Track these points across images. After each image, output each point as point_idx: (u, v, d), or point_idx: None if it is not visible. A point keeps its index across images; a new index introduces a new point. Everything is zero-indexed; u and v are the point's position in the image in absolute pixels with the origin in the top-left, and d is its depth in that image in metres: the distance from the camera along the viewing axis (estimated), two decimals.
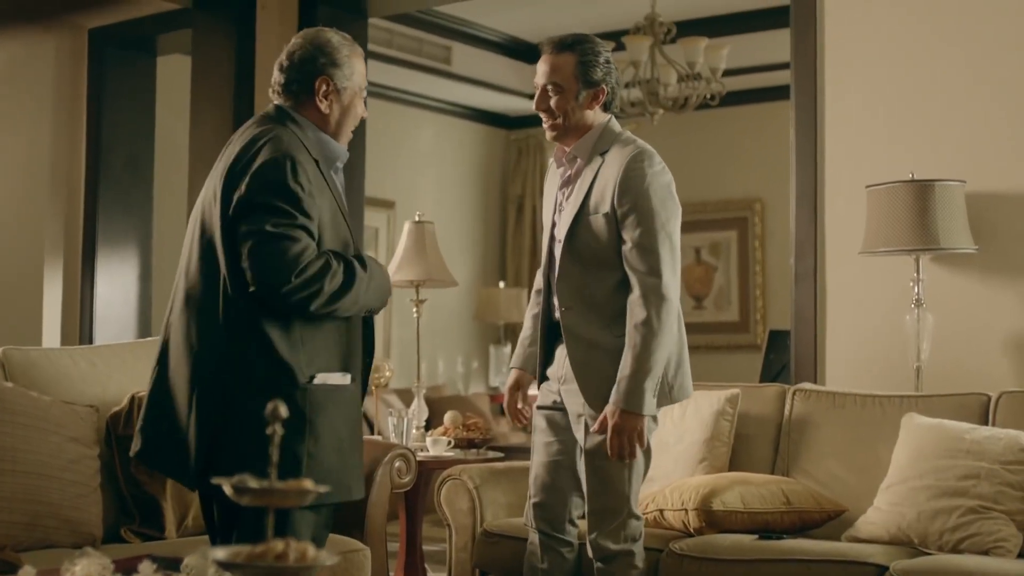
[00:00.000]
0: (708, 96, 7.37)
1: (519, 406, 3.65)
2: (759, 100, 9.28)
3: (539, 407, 3.60)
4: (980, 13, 4.49)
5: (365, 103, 3.19)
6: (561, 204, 3.52)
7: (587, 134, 3.47)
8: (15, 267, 6.93)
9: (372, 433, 5.64)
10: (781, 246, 9.08)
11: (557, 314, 3.48)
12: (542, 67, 3.46)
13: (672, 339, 3.36)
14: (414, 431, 4.97)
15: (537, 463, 3.58)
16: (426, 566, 4.95)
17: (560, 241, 3.47)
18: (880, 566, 3.47)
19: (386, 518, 4.02)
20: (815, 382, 4.59)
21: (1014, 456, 3.60)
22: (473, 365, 10.26)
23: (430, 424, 5.19)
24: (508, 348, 9.61)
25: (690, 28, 7.57)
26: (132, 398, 3.73)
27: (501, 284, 10.30)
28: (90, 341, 6.59)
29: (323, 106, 3.06)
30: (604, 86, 3.44)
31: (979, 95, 4.47)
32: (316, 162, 2.99)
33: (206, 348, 2.92)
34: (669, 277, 3.33)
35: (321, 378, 2.92)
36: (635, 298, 3.33)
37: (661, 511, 3.91)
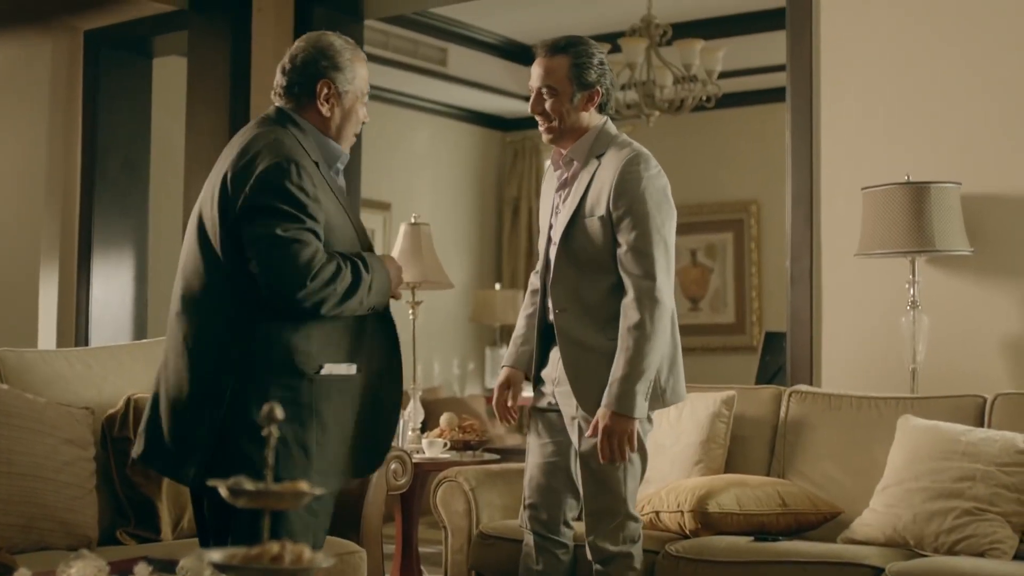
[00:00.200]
0: (704, 98, 7.38)
1: (508, 404, 3.65)
2: (755, 102, 9.28)
3: (534, 409, 3.60)
4: (976, 15, 4.50)
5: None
6: (558, 206, 3.52)
7: (583, 137, 3.47)
8: (11, 268, 6.93)
9: None
10: (777, 248, 9.08)
11: (551, 316, 3.48)
12: (536, 70, 3.46)
13: (665, 342, 3.36)
14: (410, 433, 4.97)
15: (532, 465, 3.58)
16: (422, 568, 4.94)
17: (556, 243, 3.47)
18: (876, 568, 3.47)
19: (382, 520, 4.02)
20: (811, 384, 4.59)
21: (1010, 458, 3.61)
22: (469, 367, 10.26)
23: (426, 426, 5.19)
24: (504, 350, 9.58)
25: (686, 30, 7.58)
26: (128, 400, 3.73)
27: (497, 286, 10.29)
28: (86, 343, 6.58)
29: (324, 109, 3.06)
30: (599, 88, 3.44)
31: (975, 97, 4.47)
32: (316, 164, 3.00)
33: (205, 348, 2.92)
34: (663, 281, 3.33)
35: (328, 368, 2.94)
36: (629, 301, 3.33)
37: (657, 513, 3.91)
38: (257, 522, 1.75)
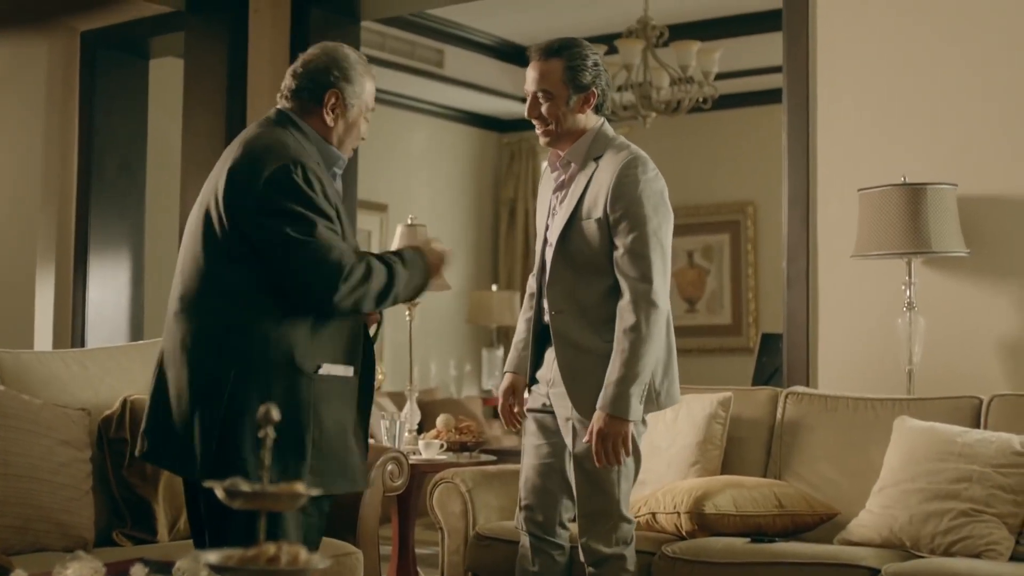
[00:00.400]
0: (701, 99, 7.38)
1: (514, 410, 3.65)
2: (751, 103, 9.29)
3: (529, 410, 3.60)
4: (972, 17, 4.50)
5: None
6: (555, 208, 3.52)
7: (581, 139, 3.47)
8: (7, 270, 6.92)
9: None
10: (773, 249, 9.09)
11: (547, 317, 3.48)
12: (531, 74, 3.46)
13: (660, 345, 3.36)
14: (407, 434, 4.96)
15: (527, 466, 3.58)
16: (418, 569, 4.94)
17: (552, 245, 3.47)
18: (872, 569, 3.47)
19: (378, 521, 4.02)
20: (807, 385, 4.60)
21: (1006, 459, 3.61)
22: (466, 368, 10.26)
23: (422, 427, 5.19)
24: (501, 351, 9.61)
25: (683, 31, 7.58)
26: (124, 401, 3.73)
27: (494, 287, 10.30)
28: (82, 344, 6.58)
29: (329, 119, 3.08)
30: (594, 89, 3.44)
31: (971, 98, 4.48)
32: (318, 165, 3.01)
33: (204, 348, 2.92)
34: (659, 284, 3.33)
35: (327, 368, 2.95)
36: (625, 303, 3.33)
37: (653, 514, 3.91)
38: (253, 523, 1.75)
